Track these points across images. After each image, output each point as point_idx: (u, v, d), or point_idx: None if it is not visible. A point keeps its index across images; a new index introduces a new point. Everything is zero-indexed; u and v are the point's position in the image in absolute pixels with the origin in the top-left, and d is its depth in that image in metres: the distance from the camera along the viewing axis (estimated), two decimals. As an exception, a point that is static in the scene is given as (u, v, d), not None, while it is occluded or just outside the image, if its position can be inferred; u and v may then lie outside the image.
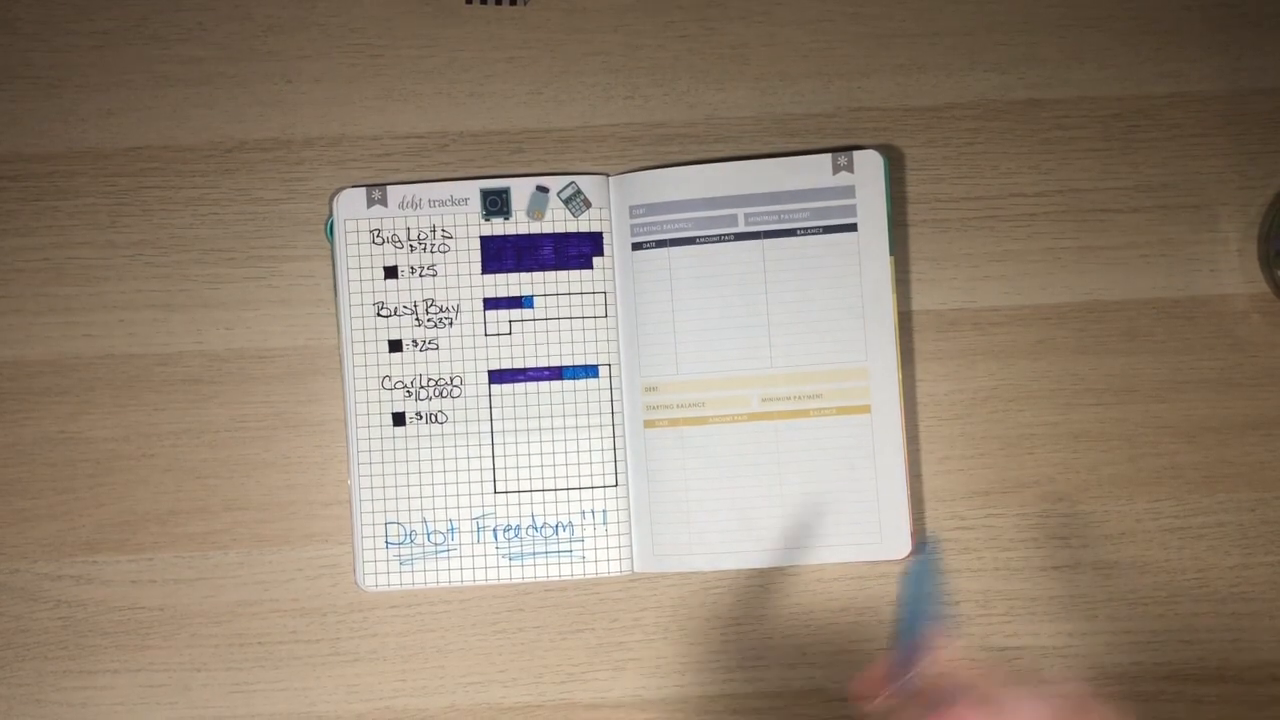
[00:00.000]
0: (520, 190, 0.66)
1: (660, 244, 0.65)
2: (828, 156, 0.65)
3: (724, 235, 0.65)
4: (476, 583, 0.65)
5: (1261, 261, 0.65)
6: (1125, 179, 0.66)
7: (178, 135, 0.66)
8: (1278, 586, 0.65)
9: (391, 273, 0.65)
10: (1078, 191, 0.66)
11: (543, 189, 0.66)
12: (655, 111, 0.66)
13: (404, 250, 0.65)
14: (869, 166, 0.65)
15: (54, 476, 0.65)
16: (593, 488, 0.65)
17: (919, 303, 0.66)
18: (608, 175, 0.66)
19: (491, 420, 0.65)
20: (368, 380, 0.65)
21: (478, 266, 0.65)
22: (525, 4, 0.66)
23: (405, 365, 0.65)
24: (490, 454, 0.65)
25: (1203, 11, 0.66)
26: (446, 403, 0.65)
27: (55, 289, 0.66)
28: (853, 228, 0.65)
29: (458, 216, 0.65)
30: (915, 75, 0.66)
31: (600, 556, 0.65)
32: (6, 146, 0.66)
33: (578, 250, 0.65)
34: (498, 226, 0.65)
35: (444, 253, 0.65)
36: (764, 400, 0.65)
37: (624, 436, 0.65)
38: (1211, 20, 0.66)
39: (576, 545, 0.65)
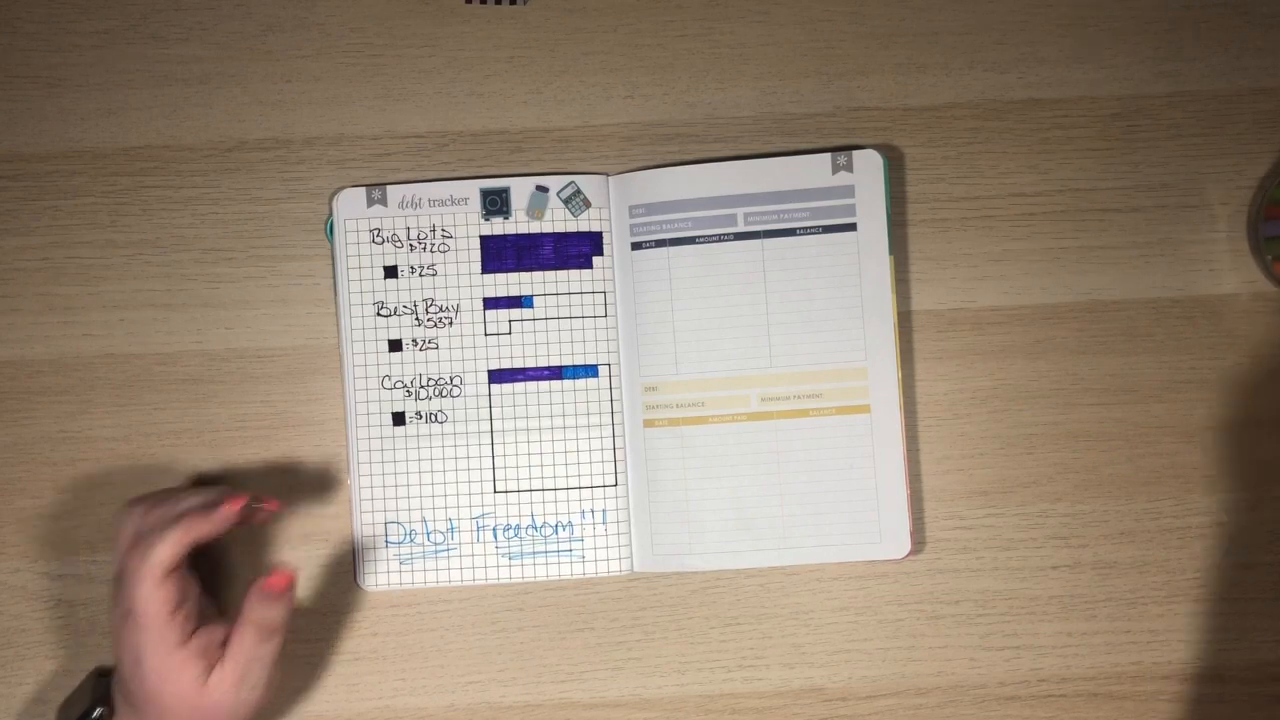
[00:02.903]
0: (520, 190, 0.66)
1: (660, 244, 0.65)
2: (827, 156, 0.65)
3: (723, 235, 0.65)
4: (476, 582, 0.65)
5: (1253, 250, 0.65)
6: (1125, 179, 0.66)
7: (178, 135, 0.66)
8: (1278, 587, 0.65)
9: (391, 272, 0.65)
10: (1077, 191, 0.66)
11: (542, 189, 0.66)
12: (655, 111, 0.66)
13: (404, 250, 0.65)
14: (868, 166, 0.65)
15: (54, 476, 0.65)
16: (592, 487, 0.65)
17: (918, 303, 0.66)
18: (607, 175, 0.66)
19: (491, 420, 0.65)
20: (368, 380, 0.65)
21: (477, 266, 0.65)
22: (525, 4, 0.66)
23: (405, 365, 0.65)
24: (490, 454, 0.65)
25: (1203, 11, 0.66)
26: (446, 402, 0.65)
27: (55, 289, 0.66)
28: (852, 227, 0.65)
29: (457, 216, 0.65)
30: (915, 75, 0.66)
31: (600, 556, 0.65)
32: (6, 146, 0.66)
33: (577, 250, 0.65)
34: (497, 226, 0.65)
35: (444, 252, 0.65)
36: (764, 400, 0.65)
37: (624, 436, 0.65)
38: (1211, 20, 0.66)
39: (576, 545, 0.65)
